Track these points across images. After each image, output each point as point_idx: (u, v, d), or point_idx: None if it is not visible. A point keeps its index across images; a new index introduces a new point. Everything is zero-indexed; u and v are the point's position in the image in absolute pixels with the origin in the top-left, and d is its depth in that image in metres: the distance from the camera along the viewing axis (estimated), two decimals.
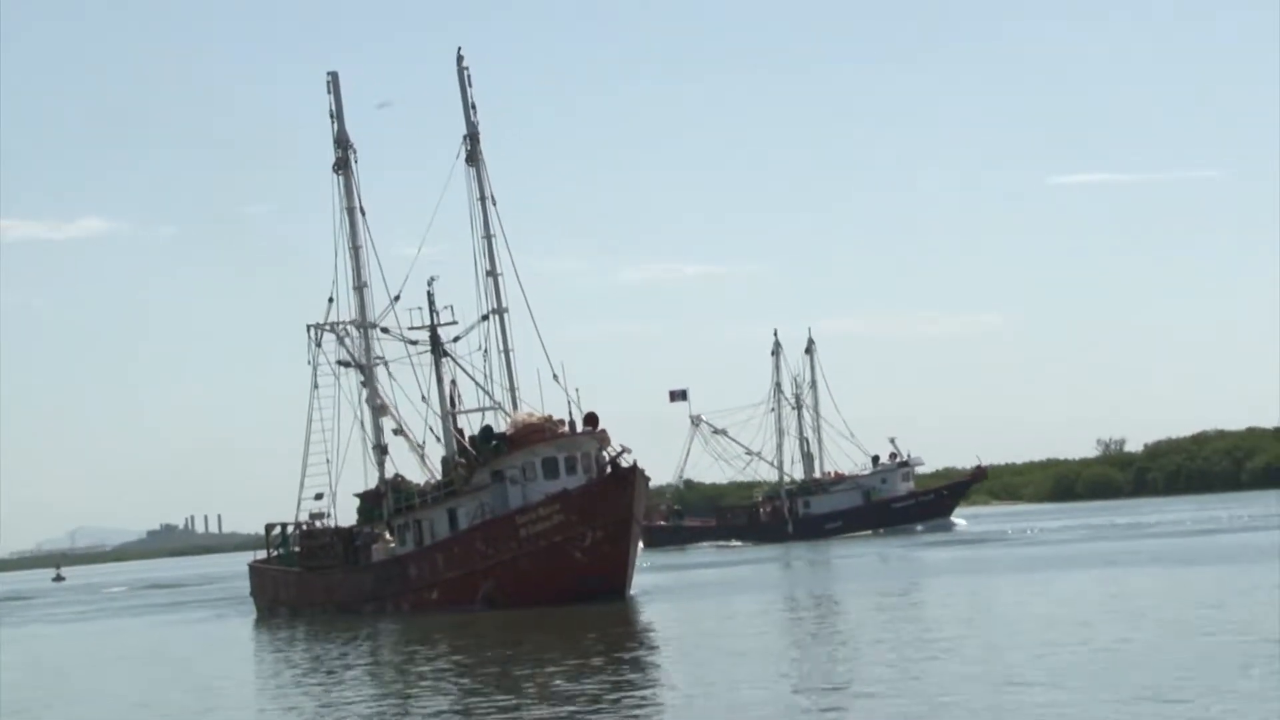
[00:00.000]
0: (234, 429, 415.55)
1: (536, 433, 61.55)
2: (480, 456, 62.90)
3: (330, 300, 72.08)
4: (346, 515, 73.23)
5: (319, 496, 73.60)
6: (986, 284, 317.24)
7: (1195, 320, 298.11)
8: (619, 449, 58.83)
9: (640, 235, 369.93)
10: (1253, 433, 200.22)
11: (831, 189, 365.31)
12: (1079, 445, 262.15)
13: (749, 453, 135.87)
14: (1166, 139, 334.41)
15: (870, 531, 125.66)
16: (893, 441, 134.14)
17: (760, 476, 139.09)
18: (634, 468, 58.46)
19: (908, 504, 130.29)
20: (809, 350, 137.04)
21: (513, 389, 66.88)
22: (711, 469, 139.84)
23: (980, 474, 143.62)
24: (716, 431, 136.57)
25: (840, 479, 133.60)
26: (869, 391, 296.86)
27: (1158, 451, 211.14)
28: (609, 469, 58.99)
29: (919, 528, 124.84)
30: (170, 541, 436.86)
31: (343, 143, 71.46)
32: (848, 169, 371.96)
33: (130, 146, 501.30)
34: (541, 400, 63.62)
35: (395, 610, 64.66)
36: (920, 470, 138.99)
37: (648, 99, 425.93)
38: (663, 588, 67.94)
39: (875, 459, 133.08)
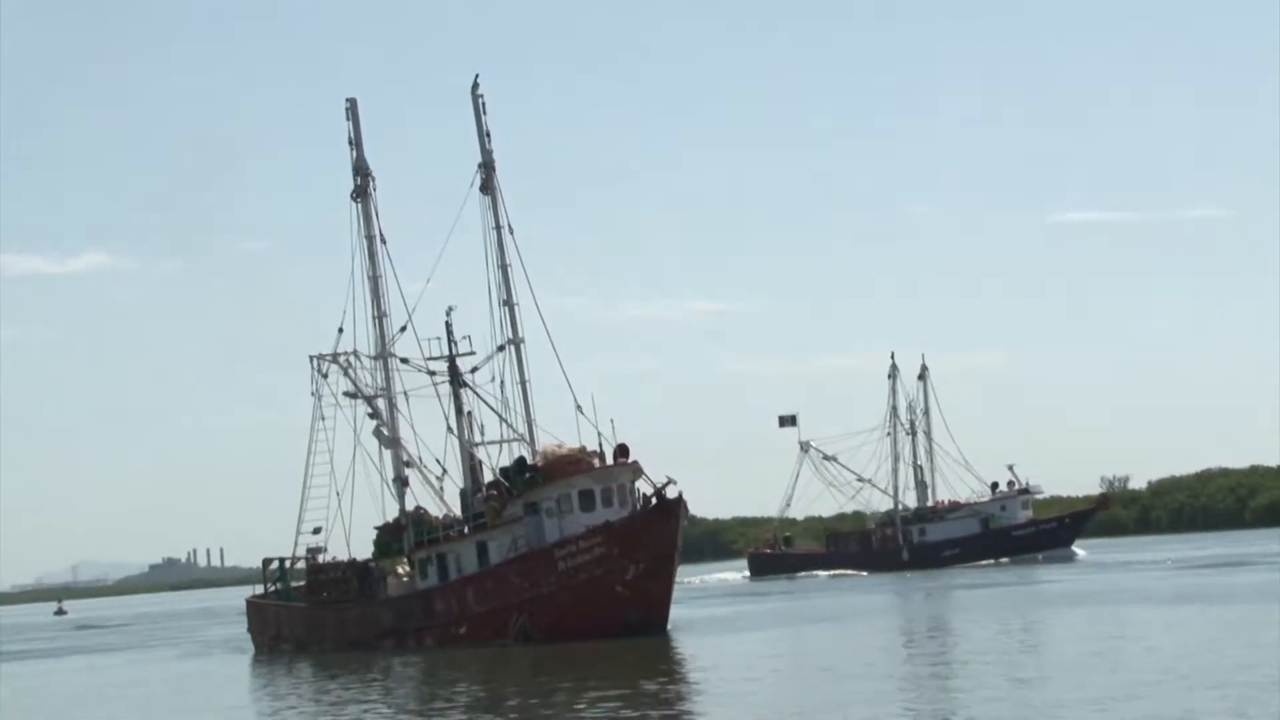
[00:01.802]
0: (236, 462, 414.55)
1: (572, 464, 60.58)
2: (513, 489, 61.81)
3: (340, 330, 71.00)
4: (349, 549, 71.74)
5: (317, 530, 72.32)
6: (986, 322, 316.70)
7: (1198, 358, 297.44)
8: (665, 480, 57.75)
9: (641, 271, 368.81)
10: (1256, 471, 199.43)
11: (829, 226, 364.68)
12: (1082, 483, 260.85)
13: (860, 479, 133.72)
14: (1167, 177, 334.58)
15: (990, 561, 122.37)
16: (1011, 469, 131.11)
17: (871, 505, 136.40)
18: (679, 499, 57.54)
19: (1028, 532, 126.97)
20: (922, 376, 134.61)
21: (529, 421, 65.98)
22: (822, 497, 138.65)
23: (1104, 503, 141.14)
24: (827, 458, 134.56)
25: (956, 506, 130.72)
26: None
27: (1161, 489, 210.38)
28: (654, 500, 57.89)
29: (1040, 557, 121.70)
30: (172, 575, 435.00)
31: (361, 170, 70.26)
32: (843, 206, 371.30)
33: (132, 181, 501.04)
34: (578, 432, 62.56)
35: (418, 646, 63.22)
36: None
37: (645, 140, 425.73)
38: (720, 620, 66.70)
39: (994, 486, 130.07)
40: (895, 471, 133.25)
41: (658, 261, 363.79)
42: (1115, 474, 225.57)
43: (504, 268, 67.11)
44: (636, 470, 60.37)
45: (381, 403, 70.17)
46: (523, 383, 66.37)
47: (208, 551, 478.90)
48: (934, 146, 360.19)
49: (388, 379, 69.38)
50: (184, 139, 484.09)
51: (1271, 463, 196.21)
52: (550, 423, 65.19)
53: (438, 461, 68.01)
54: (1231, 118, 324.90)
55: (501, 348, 66.62)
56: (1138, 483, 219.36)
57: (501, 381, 66.11)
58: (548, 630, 58.43)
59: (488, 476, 65.40)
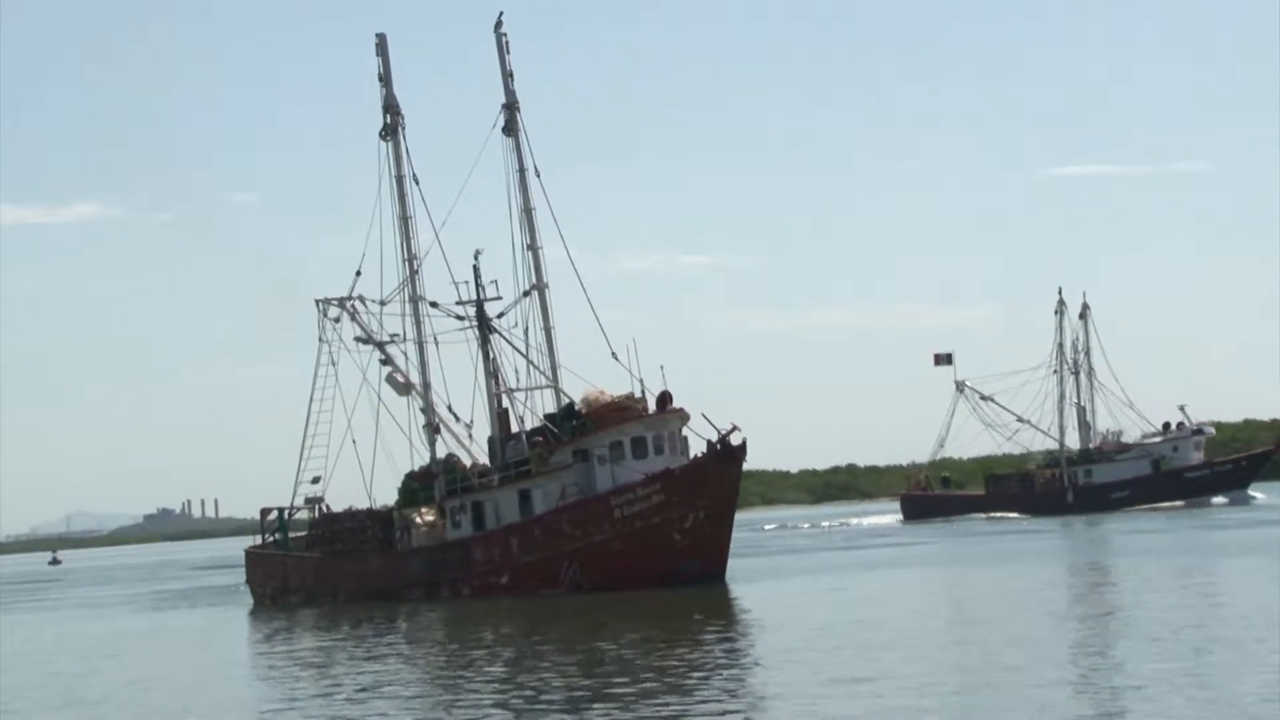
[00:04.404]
0: (230, 413, 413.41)
1: (621, 411, 59.19)
2: (561, 435, 60.27)
3: (358, 273, 69.22)
4: (369, 498, 70.02)
5: (316, 480, 70.86)
6: (981, 276, 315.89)
7: (1188, 310, 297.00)
8: (730, 426, 56.10)
9: (635, 225, 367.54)
10: (1249, 424, 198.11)
11: (820, 181, 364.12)
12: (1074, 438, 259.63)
13: (1020, 420, 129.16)
14: (1160, 131, 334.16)
15: (1162, 503, 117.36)
16: (1183, 409, 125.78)
17: (1027, 446, 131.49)
18: (743, 446, 56.10)
19: (1202, 474, 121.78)
20: (1083, 315, 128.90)
21: (554, 367, 64.50)
22: (980, 437, 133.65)
23: None
24: (984, 398, 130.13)
25: (1125, 447, 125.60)
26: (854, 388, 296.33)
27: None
28: (718, 446, 56.24)
29: (1218, 500, 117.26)
30: (166, 526, 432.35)
31: (391, 108, 68.00)
32: (834, 159, 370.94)
33: (123, 131, 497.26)
34: (633, 380, 60.97)
35: (452, 596, 61.74)
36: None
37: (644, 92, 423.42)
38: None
39: (1166, 426, 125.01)
40: (1061, 410, 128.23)
41: (652, 216, 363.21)
42: (1109, 429, 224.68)
43: (528, 211, 65.53)
44: (684, 418, 59.26)
45: (395, 349, 68.71)
46: (547, 329, 65.04)
47: (202, 502, 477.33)
48: (928, 103, 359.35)
49: (418, 323, 67.54)
50: (174, 89, 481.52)
51: (1264, 416, 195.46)
52: (574, 370, 64.05)
53: (449, 409, 66.71)
54: (1223, 70, 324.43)
55: (527, 293, 65.10)
56: (1130, 436, 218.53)
57: (526, 328, 64.80)
58: (600, 579, 57.12)
59: (515, 424, 64.04)
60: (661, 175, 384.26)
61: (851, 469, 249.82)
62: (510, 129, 66.13)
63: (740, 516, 67.89)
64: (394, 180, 67.98)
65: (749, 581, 57.14)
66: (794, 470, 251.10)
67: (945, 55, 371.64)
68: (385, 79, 68.47)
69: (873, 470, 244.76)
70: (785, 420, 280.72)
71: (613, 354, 61.42)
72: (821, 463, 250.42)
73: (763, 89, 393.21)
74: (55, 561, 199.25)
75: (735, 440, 55.88)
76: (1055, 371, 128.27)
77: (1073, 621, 35.87)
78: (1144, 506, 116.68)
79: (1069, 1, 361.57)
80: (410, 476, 67.40)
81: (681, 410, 59.26)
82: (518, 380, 64.58)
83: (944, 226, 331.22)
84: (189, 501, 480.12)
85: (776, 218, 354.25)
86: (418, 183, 67.89)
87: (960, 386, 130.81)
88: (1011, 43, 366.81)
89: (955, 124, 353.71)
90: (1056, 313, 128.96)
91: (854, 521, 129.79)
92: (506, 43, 66.35)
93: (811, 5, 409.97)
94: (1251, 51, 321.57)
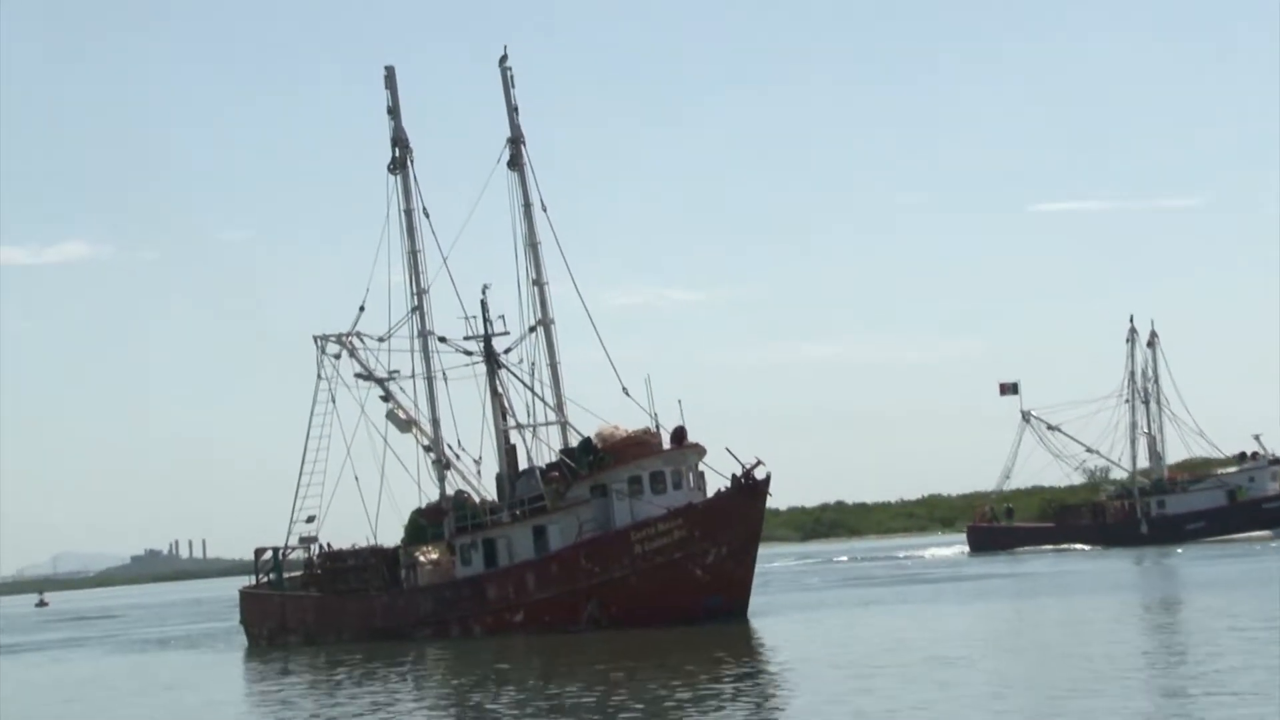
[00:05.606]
0: (218, 452, 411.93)
1: (639, 446, 58.72)
2: (578, 470, 59.63)
3: (361, 309, 68.56)
4: (374, 535, 69.12)
5: (311, 519, 70.26)
6: (972, 309, 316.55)
7: (1175, 348, 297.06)
8: (754, 460, 55.64)
9: (625, 260, 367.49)
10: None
11: (813, 214, 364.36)
12: (1061, 473, 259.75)
13: (1089, 450, 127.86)
14: (1147, 167, 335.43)
15: (1239, 535, 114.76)
16: (1258, 439, 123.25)
17: (1096, 473, 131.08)
18: (767, 480, 55.52)
19: None
20: (1151, 343, 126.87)
21: (560, 403, 63.93)
22: (1049, 468, 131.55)
23: None
24: (1051, 428, 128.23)
25: (1199, 477, 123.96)
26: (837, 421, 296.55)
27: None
28: (743, 480, 55.72)
29: None
30: (154, 567, 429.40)
31: (400, 142, 67.51)
32: (826, 194, 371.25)
33: (112, 168, 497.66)
34: (651, 415, 60.46)
35: (463, 634, 60.85)
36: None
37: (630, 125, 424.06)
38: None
39: (1242, 456, 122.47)
40: (1133, 441, 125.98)
41: (639, 249, 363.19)
42: (1096, 465, 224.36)
43: (534, 246, 65.21)
44: (701, 452, 58.82)
45: (396, 385, 68.10)
46: (554, 364, 64.53)
47: (189, 543, 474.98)
48: (921, 138, 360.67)
49: (426, 359, 66.96)
50: (162, 127, 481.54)
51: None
52: (581, 405, 63.72)
53: (450, 447, 66.01)
54: (1212, 107, 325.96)
55: (533, 328, 64.62)
56: (1119, 473, 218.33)
57: (532, 364, 64.33)
58: (620, 616, 56.49)
59: (523, 461, 63.33)
60: (652, 209, 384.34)
61: (840, 506, 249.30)
62: (515, 163, 65.93)
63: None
64: (402, 214, 67.58)
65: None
66: (783, 508, 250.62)
67: (943, 85, 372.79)
68: (394, 112, 68.04)
69: (861, 508, 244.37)
70: (772, 456, 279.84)
71: (624, 389, 61.16)
72: (808, 500, 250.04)
73: (762, 121, 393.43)
74: (42, 604, 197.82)
75: (759, 475, 55.43)
76: (1127, 401, 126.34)
77: None
78: (1220, 538, 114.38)
79: (1068, 29, 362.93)
80: (418, 513, 66.64)
81: (699, 445, 58.84)
82: (529, 416, 64.10)
83: (938, 260, 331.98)
84: (176, 542, 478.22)
85: (761, 253, 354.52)
86: (428, 216, 67.50)
87: (1026, 417, 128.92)
88: (1010, 68, 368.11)
89: (954, 157, 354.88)
90: (1127, 341, 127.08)
91: (920, 554, 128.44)
92: (511, 77, 66.26)
93: (807, 41, 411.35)
94: (1243, 84, 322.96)
